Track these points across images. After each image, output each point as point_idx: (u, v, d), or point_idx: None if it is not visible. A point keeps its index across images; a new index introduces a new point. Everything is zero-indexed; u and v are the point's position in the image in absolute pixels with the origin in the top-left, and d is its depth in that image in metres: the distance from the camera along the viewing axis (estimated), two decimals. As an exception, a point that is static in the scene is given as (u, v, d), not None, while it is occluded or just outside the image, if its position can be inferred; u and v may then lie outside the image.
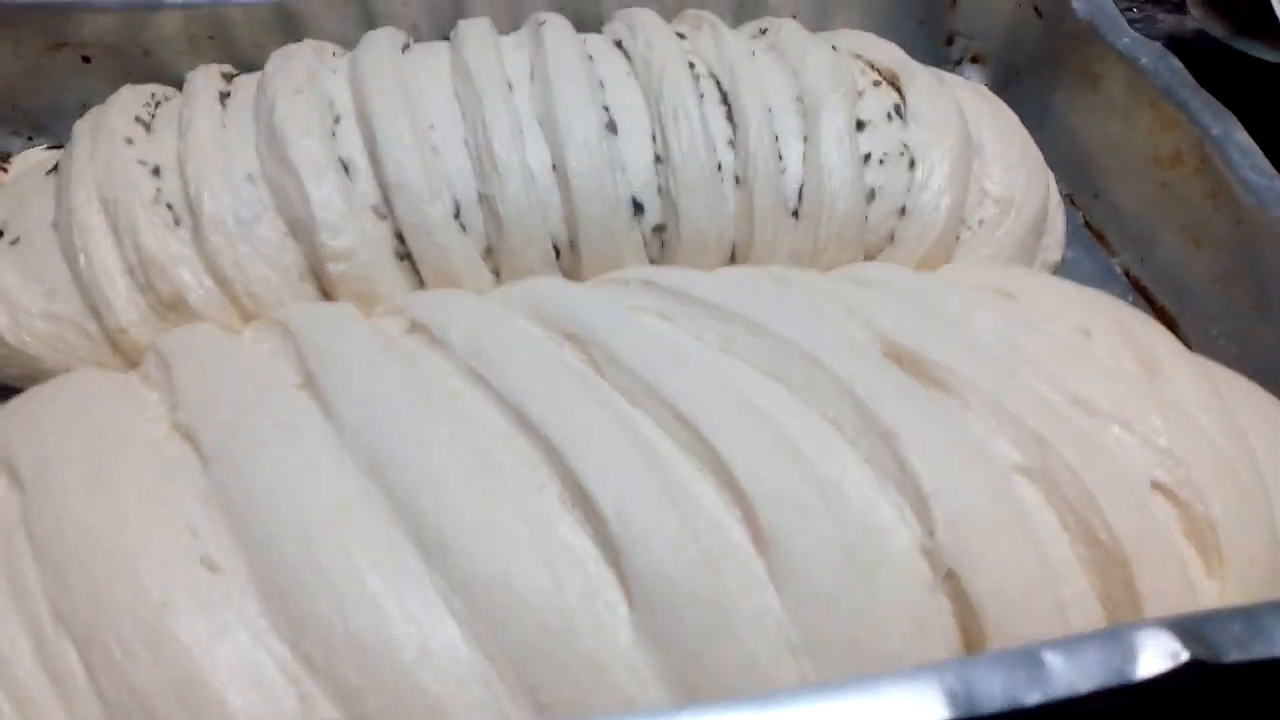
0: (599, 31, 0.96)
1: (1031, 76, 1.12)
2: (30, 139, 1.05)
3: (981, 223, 0.89)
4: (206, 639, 0.52)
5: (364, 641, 0.52)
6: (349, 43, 0.98)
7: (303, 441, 0.60)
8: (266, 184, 0.80)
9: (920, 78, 0.92)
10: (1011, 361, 0.68)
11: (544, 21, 0.90)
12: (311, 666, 0.52)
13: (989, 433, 0.63)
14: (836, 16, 1.13)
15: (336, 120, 0.83)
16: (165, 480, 0.59)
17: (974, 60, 1.19)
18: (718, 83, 0.88)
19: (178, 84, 0.99)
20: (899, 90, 0.92)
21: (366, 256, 0.79)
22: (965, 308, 0.73)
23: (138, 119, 0.86)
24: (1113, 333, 0.73)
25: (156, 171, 0.81)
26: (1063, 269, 0.96)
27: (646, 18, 0.91)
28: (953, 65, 1.20)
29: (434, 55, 0.89)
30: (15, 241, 0.81)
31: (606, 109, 0.84)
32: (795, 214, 0.84)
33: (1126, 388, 0.66)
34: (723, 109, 0.86)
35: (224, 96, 0.88)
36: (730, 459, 0.58)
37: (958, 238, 0.88)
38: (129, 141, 0.82)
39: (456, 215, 0.80)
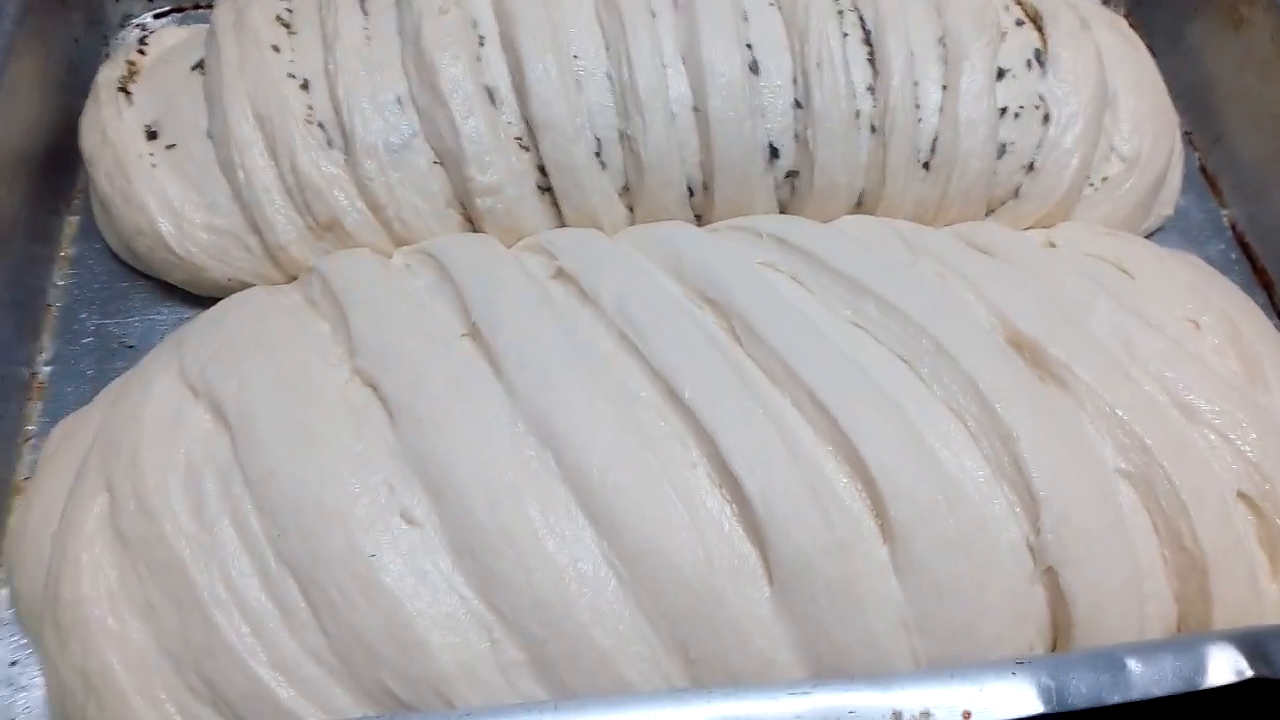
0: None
1: (1171, -2, 1.08)
2: (151, 0, 1.05)
3: (1105, 180, 0.90)
4: (411, 586, 0.61)
5: (546, 599, 0.61)
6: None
7: (479, 402, 0.67)
8: (415, 109, 0.82)
9: (1064, 19, 0.90)
10: (1124, 359, 0.73)
11: (687, -66, 0.87)
12: (500, 615, 0.61)
13: (1098, 435, 0.69)
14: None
15: (480, 42, 0.83)
16: (358, 435, 0.66)
17: (1112, -35, 1.14)
18: (861, 19, 0.86)
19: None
20: (1041, 31, 0.90)
21: (512, 191, 0.81)
22: (1084, 293, 0.77)
23: (278, 18, 0.86)
24: (1221, 329, 0.77)
25: (306, 86, 0.82)
26: (1172, 219, 0.98)
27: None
28: (1088, -33, 1.15)
29: (575, -34, 0.87)
30: (172, 146, 0.84)
31: (749, 47, 0.83)
32: (926, 165, 0.85)
33: (1227, 394, 0.71)
34: (865, 49, 0.85)
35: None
36: (866, 454, 0.65)
37: (1080, 194, 0.89)
38: (275, 49, 0.83)
39: (598, 153, 0.82)
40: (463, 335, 0.72)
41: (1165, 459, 0.67)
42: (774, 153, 0.84)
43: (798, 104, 0.84)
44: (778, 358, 0.70)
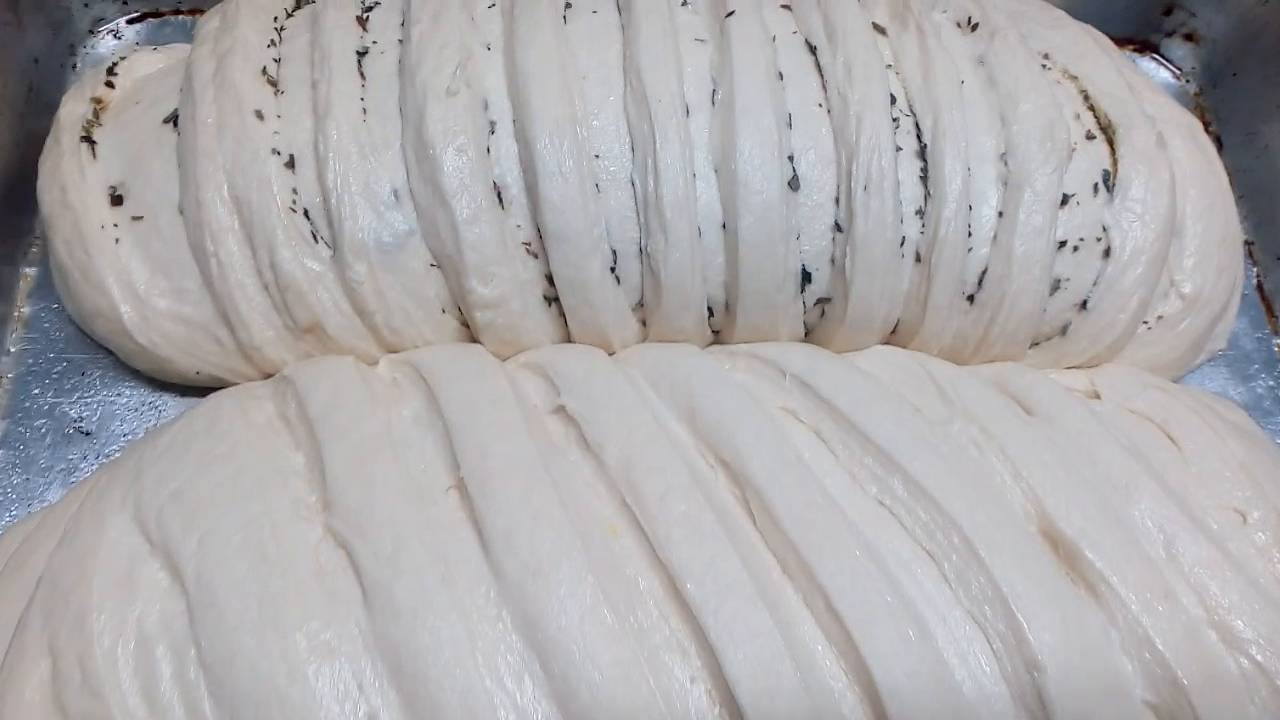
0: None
1: (1249, 86, 0.98)
2: (125, 3, 0.93)
3: (1160, 318, 0.82)
4: (375, 805, 0.56)
5: (520, 829, 0.56)
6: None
7: (461, 588, 0.61)
8: (413, 203, 0.73)
9: (1138, 135, 0.81)
10: (1165, 565, 0.67)
11: (732, 12, 0.77)
12: (469, 841, 0.57)
13: (1129, 659, 0.64)
14: (1051, -27, 0.97)
15: (491, 129, 0.74)
16: (329, 618, 0.60)
17: (1187, 38, 1.04)
18: (918, 127, 0.77)
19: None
20: (1112, 146, 0.81)
21: (516, 305, 0.74)
22: (1128, 476, 0.71)
23: (264, 73, 0.76)
24: (1270, 525, 0.71)
25: (291, 163, 0.73)
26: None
27: (848, 20, 0.78)
28: (1162, 36, 1.05)
29: (603, 35, 0.77)
30: (138, 219, 0.75)
31: (790, 159, 0.74)
32: (971, 299, 0.78)
33: (1269, 616, 0.66)
34: (918, 164, 0.77)
35: (361, 56, 0.77)
36: (881, 684, 0.59)
37: (1132, 336, 0.82)
38: (259, 115, 0.74)
39: (613, 268, 0.74)
40: (449, 489, 0.66)
41: (1196, 696, 0.62)
42: (807, 277, 0.76)
43: (838, 227, 0.75)
44: (793, 547, 0.64)
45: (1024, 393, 0.76)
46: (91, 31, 0.92)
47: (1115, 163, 0.81)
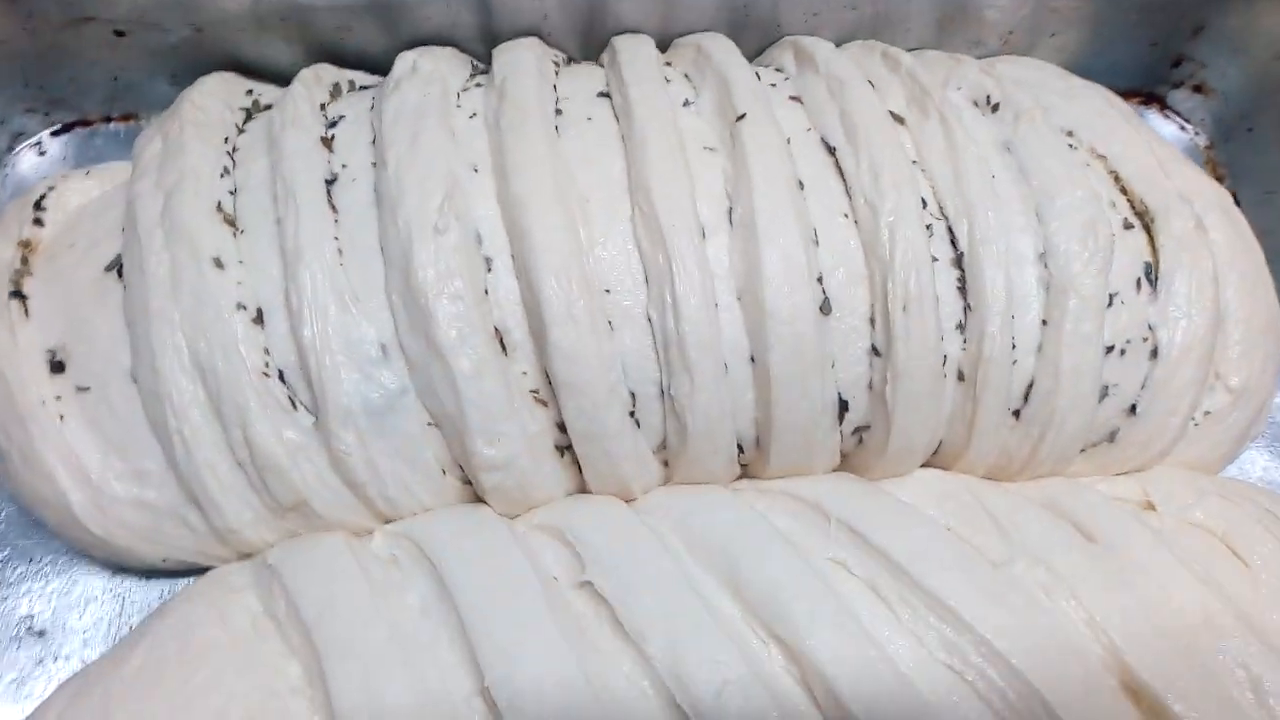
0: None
1: (1266, 141, 0.94)
2: (47, 114, 0.83)
3: (1208, 415, 0.77)
4: None
5: None
6: (459, 32, 0.78)
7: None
8: (404, 357, 0.64)
9: (1176, 220, 0.75)
10: (1256, 712, 0.62)
11: (743, 116, 0.70)
12: None
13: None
14: (1059, 33, 0.91)
15: (488, 266, 0.65)
16: None
17: (1197, 89, 0.98)
18: (950, 232, 0.71)
19: (236, 66, 0.78)
20: (1150, 234, 0.76)
21: (526, 462, 0.65)
22: (1204, 611, 0.65)
23: (219, 209, 0.67)
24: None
25: (259, 318, 0.64)
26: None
27: (866, 114, 0.71)
28: (1170, 87, 1.00)
29: (601, 149, 0.69)
30: (84, 389, 0.65)
31: (820, 281, 0.67)
32: (1016, 414, 0.71)
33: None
34: (955, 274, 0.70)
35: (330, 184, 0.68)
36: None
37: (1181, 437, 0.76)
38: (218, 264, 0.64)
39: (632, 412, 0.67)
40: (473, 695, 0.58)
41: None
42: (844, 405, 0.69)
43: (874, 350, 0.68)
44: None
45: (1082, 517, 0.70)
46: (11, 149, 0.82)
47: (1155, 254, 0.75)
